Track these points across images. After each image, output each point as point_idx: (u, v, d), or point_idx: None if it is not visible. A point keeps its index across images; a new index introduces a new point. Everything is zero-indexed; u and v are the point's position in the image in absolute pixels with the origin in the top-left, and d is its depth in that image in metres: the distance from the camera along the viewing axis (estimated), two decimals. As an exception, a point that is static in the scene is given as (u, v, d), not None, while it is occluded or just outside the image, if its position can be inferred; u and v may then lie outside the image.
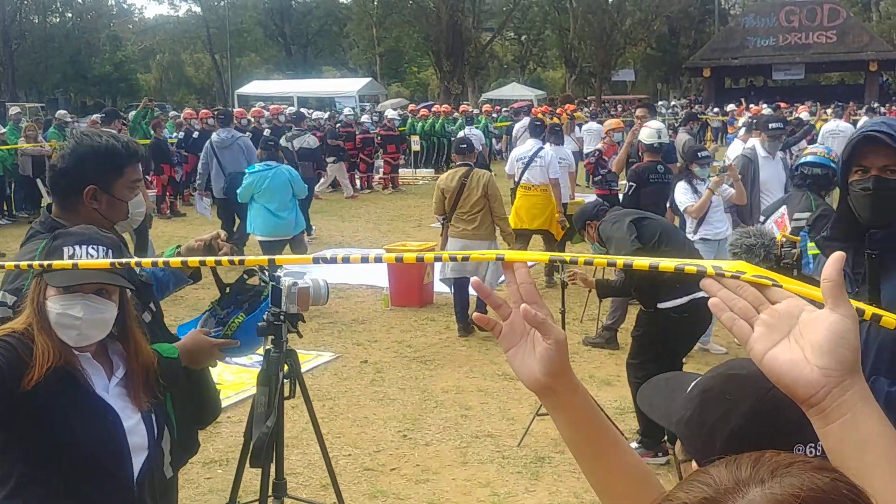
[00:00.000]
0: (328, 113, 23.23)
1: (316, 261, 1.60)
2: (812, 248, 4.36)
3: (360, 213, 16.89)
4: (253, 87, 43.47)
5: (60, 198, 2.89)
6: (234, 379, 6.92)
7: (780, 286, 1.02)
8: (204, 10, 63.28)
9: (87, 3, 64.00)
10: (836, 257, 0.98)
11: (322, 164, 15.87)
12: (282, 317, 3.49)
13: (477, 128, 22.37)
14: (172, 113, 27.08)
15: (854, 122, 18.95)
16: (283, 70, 60.98)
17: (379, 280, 9.82)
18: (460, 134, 21.29)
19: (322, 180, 19.38)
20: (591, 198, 11.77)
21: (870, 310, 1.08)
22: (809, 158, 5.87)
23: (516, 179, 9.97)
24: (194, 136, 18.32)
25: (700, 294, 4.77)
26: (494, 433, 5.99)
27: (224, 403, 5.89)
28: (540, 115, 18.40)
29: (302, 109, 24.24)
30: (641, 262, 1.21)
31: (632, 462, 1.26)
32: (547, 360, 1.18)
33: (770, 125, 8.03)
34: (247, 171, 10.04)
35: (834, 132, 15.57)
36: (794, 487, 0.80)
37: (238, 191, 9.99)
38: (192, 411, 3.09)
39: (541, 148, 10.11)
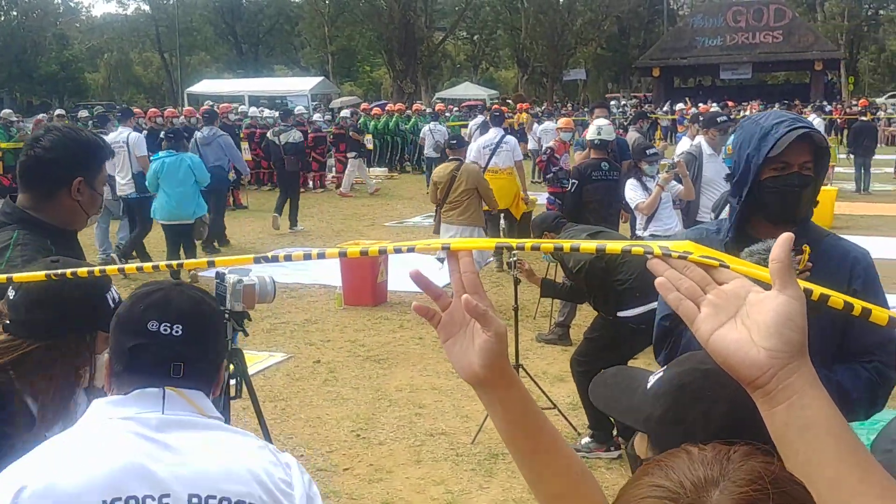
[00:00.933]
0: (349, 111, 22.69)
1: (257, 260, 1.55)
2: None
3: (314, 213, 16.74)
4: (203, 87, 42.83)
5: (40, 188, 2.74)
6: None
7: (728, 267, 1.00)
8: (153, 8, 62.38)
9: (33, 1, 62.69)
10: (785, 238, 0.96)
11: (307, 162, 15.64)
12: (227, 315, 3.41)
13: (440, 125, 22.07)
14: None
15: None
16: (233, 69, 60.33)
17: (332, 279, 9.74)
18: (424, 129, 21.15)
19: (345, 177, 19.38)
20: (543, 196, 11.90)
21: (817, 290, 1.07)
22: None
23: (483, 165, 10.65)
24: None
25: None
26: (448, 431, 5.96)
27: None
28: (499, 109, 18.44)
29: (250, 108, 23.85)
30: (588, 244, 1.19)
31: (568, 459, 1.23)
32: (486, 352, 1.14)
33: (718, 119, 8.11)
34: (151, 158, 10.87)
35: None
36: (752, 483, 0.79)
37: (146, 182, 10.69)
38: None
39: (504, 135, 11.35)
